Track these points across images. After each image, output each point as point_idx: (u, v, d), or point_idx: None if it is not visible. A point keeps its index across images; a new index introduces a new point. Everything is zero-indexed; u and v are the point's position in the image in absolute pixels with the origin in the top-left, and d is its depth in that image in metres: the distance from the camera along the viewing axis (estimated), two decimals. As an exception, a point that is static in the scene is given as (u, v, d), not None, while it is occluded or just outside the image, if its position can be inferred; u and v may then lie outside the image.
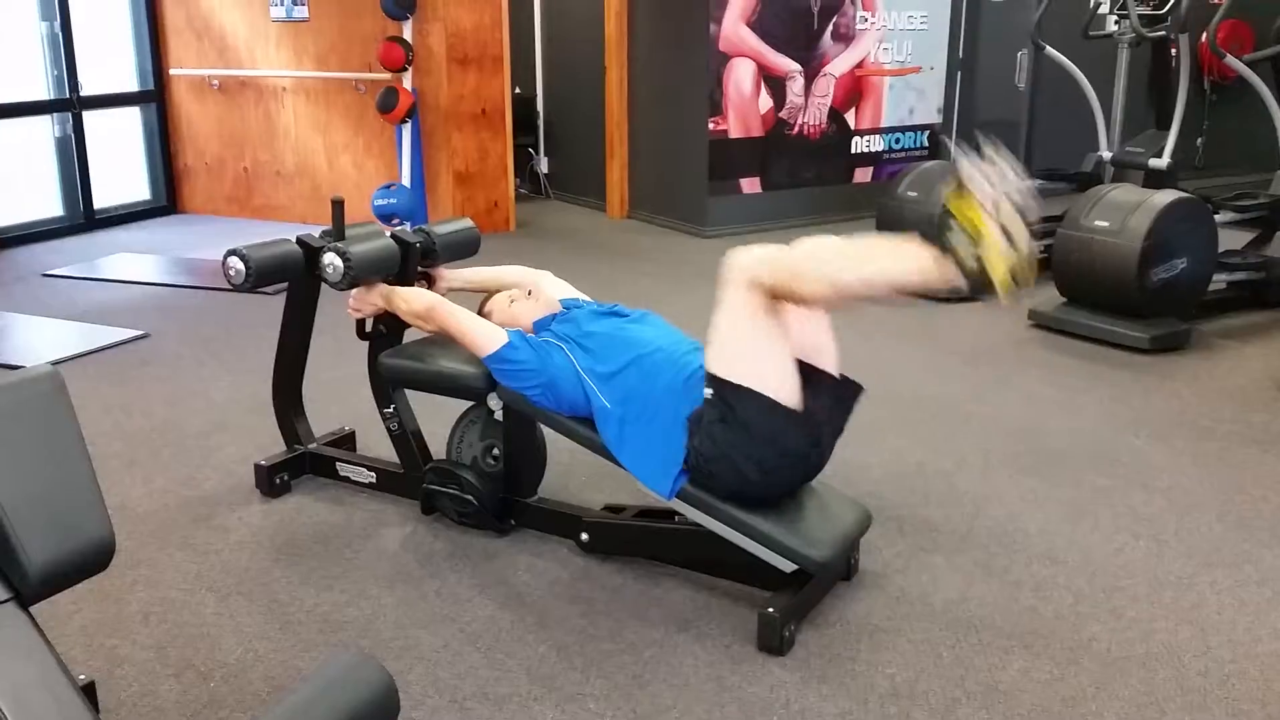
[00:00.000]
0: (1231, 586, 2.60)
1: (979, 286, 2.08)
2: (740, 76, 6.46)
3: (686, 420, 2.38)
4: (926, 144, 7.22)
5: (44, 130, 6.64)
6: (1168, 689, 2.21)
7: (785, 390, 2.28)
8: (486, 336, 2.65)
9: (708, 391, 2.33)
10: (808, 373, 2.34)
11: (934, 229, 2.11)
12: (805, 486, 2.52)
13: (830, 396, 2.39)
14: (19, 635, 1.48)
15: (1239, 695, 2.19)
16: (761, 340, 2.27)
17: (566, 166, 7.80)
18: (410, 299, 2.81)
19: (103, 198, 6.87)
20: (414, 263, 2.97)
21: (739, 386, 2.27)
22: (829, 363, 2.41)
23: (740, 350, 2.30)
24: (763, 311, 2.25)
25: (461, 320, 2.70)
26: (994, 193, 2.07)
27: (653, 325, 2.70)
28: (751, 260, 2.25)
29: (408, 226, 3.17)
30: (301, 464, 3.17)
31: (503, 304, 2.88)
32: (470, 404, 2.90)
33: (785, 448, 2.32)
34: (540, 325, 2.76)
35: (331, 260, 2.80)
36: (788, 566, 2.37)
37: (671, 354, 2.52)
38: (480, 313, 2.87)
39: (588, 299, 2.96)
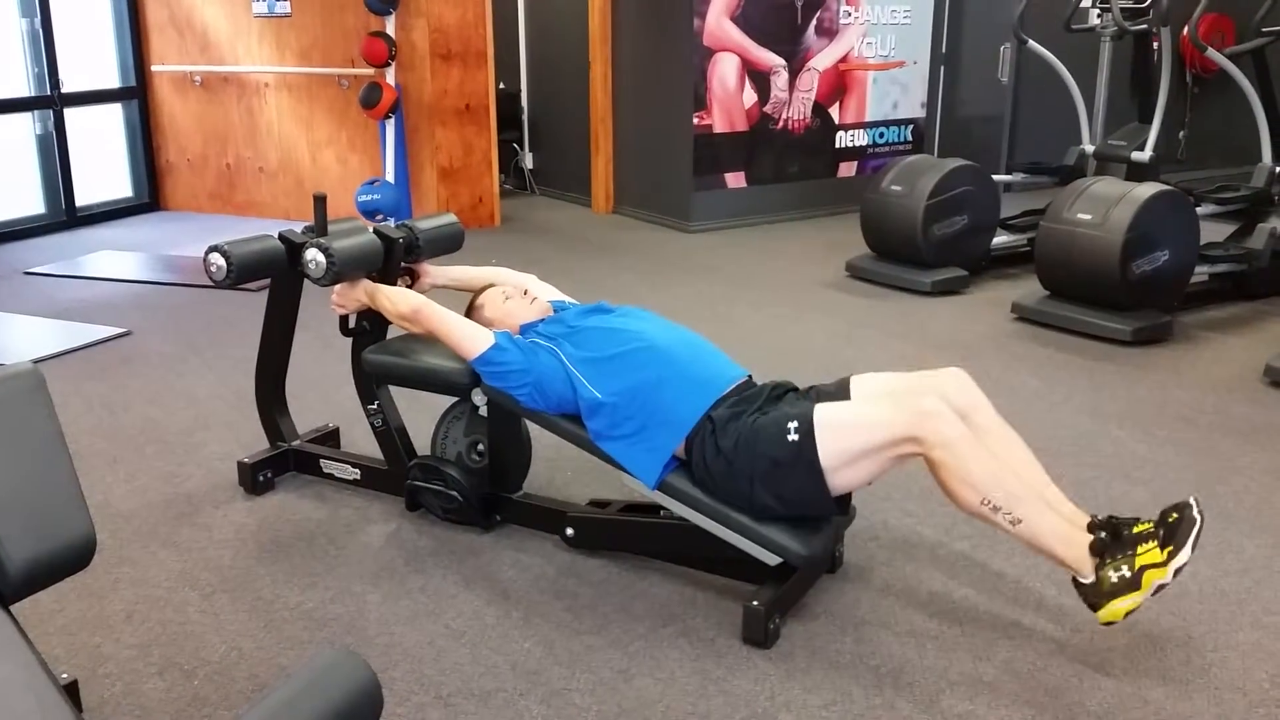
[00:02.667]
0: (1213, 576, 2.61)
1: (1089, 599, 2.19)
2: (724, 71, 6.46)
3: (718, 422, 2.39)
4: (910, 138, 7.24)
5: (25, 127, 6.60)
6: (1150, 678, 2.22)
7: (837, 488, 2.32)
8: (473, 338, 2.64)
9: (792, 426, 2.30)
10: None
11: (1116, 546, 2.17)
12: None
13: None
14: (0, 634, 1.47)
15: (1221, 683, 2.21)
16: (870, 457, 2.28)
17: (551, 162, 7.79)
18: (396, 300, 2.80)
19: (84, 195, 6.83)
20: (397, 258, 2.96)
21: (816, 462, 2.27)
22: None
23: (853, 443, 2.28)
24: (895, 452, 2.25)
25: (448, 322, 2.68)
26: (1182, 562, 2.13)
27: (642, 319, 2.70)
28: (945, 427, 2.21)
29: (391, 222, 3.16)
30: (285, 461, 3.16)
31: (496, 299, 2.85)
32: (454, 400, 2.90)
33: (807, 504, 2.35)
34: (526, 328, 2.75)
35: (314, 256, 2.79)
36: (772, 560, 2.37)
37: (669, 350, 2.53)
38: (471, 305, 2.87)
39: (574, 301, 2.95)
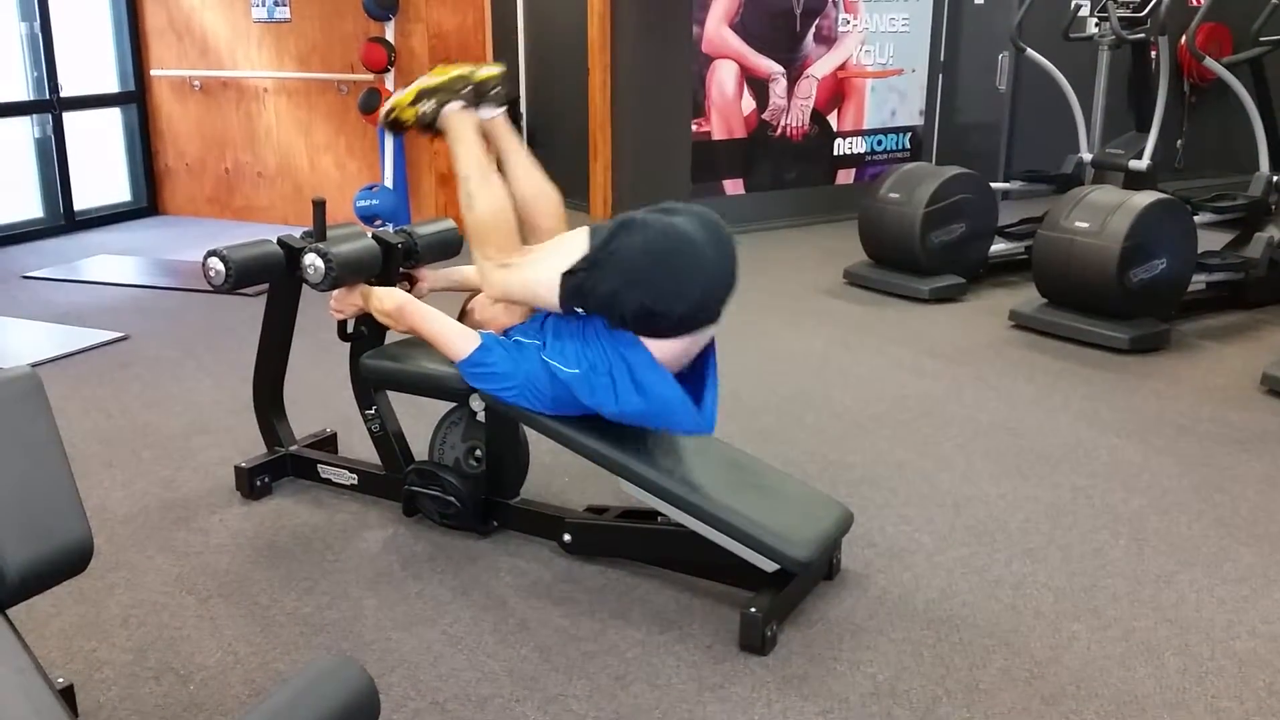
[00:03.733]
0: (1210, 584, 2.62)
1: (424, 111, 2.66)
2: (723, 78, 6.47)
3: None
4: (908, 146, 7.26)
5: (23, 131, 6.59)
6: (1147, 686, 2.23)
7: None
8: (458, 339, 2.61)
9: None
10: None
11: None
12: (787, 485, 2.52)
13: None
14: (-4, 638, 1.47)
15: (1217, 692, 2.21)
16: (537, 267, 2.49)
17: (550, 168, 7.63)
18: (382, 298, 2.79)
19: (83, 199, 6.82)
20: (396, 264, 2.96)
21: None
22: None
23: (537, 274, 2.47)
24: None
25: (432, 322, 2.66)
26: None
27: None
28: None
29: (390, 228, 3.16)
30: (282, 466, 3.15)
31: (486, 301, 2.85)
32: (452, 405, 2.90)
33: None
34: (513, 330, 2.73)
35: (313, 261, 2.79)
36: (770, 566, 2.37)
37: None
38: (462, 310, 2.86)
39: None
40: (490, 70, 2.75)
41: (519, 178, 2.79)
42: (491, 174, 2.63)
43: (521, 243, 2.59)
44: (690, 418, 2.46)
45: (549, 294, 2.45)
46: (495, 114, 2.77)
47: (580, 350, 2.47)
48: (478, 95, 2.70)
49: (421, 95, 2.69)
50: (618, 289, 2.36)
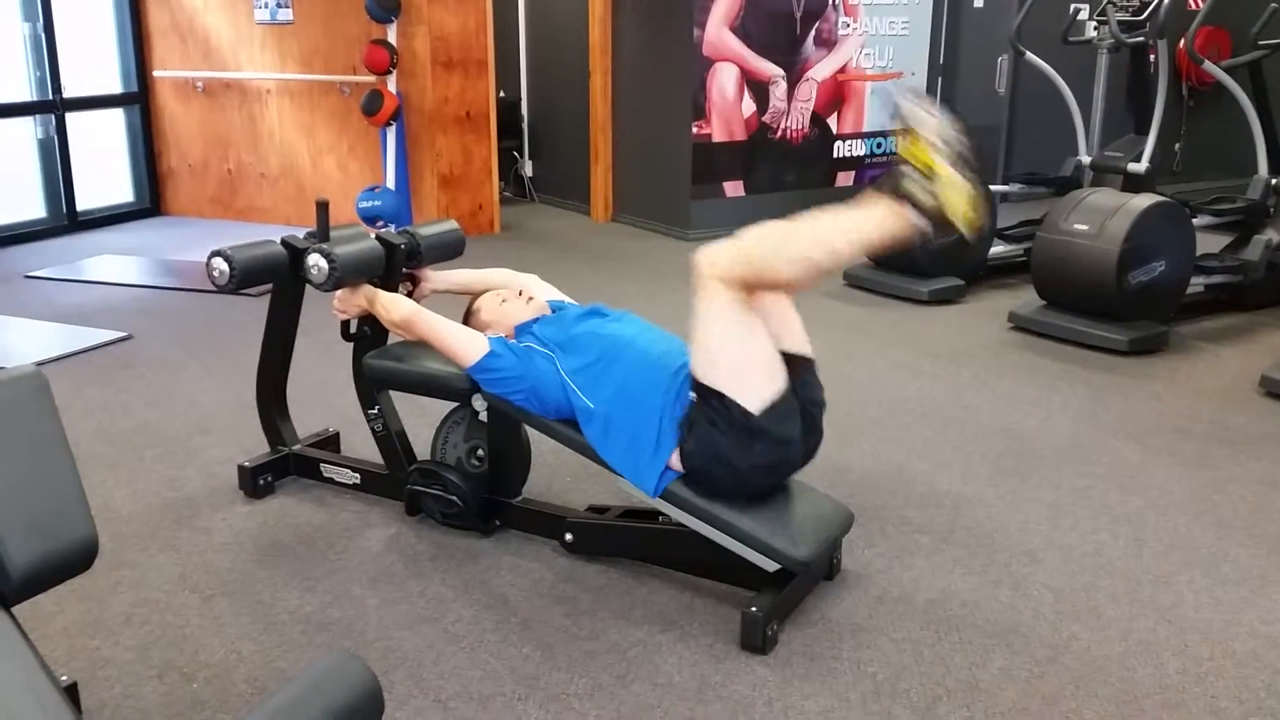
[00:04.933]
0: (1209, 585, 2.63)
1: (940, 223, 2.12)
2: (723, 81, 6.48)
3: (678, 424, 2.39)
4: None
5: (26, 132, 6.61)
6: (1146, 687, 2.24)
7: (772, 382, 2.30)
8: (468, 346, 2.64)
9: (693, 395, 2.35)
10: (787, 360, 2.37)
11: (889, 179, 2.17)
12: (788, 487, 2.53)
13: (809, 374, 2.44)
14: (0, 636, 1.48)
15: (1216, 692, 2.22)
16: (742, 338, 2.29)
17: (551, 170, 7.80)
18: (390, 307, 2.80)
19: (86, 199, 6.84)
20: (399, 264, 2.98)
21: (723, 395, 2.29)
22: (800, 342, 2.45)
23: (724, 351, 2.31)
24: (740, 306, 2.26)
25: (441, 330, 2.68)
26: (938, 128, 2.12)
27: (631, 323, 2.71)
28: (717, 257, 2.27)
29: (392, 228, 3.17)
30: (285, 465, 3.16)
31: (493, 303, 2.86)
32: (455, 405, 2.91)
33: (780, 436, 2.34)
34: (522, 329, 2.75)
35: (316, 261, 2.80)
36: (770, 566, 2.38)
37: (650, 350, 2.54)
38: (469, 310, 2.88)
39: (573, 302, 2.96)
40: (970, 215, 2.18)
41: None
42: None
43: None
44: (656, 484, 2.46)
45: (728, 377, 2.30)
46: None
47: (611, 398, 2.48)
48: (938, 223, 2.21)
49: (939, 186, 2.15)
50: (720, 472, 2.36)
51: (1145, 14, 5.23)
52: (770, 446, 2.32)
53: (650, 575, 2.65)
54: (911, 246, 2.24)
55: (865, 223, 2.20)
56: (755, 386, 2.29)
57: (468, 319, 2.85)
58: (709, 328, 2.30)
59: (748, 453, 2.31)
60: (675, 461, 2.42)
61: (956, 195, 2.09)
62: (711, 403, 2.31)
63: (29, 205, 6.63)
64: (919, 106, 2.15)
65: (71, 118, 6.71)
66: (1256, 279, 4.88)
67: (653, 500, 2.47)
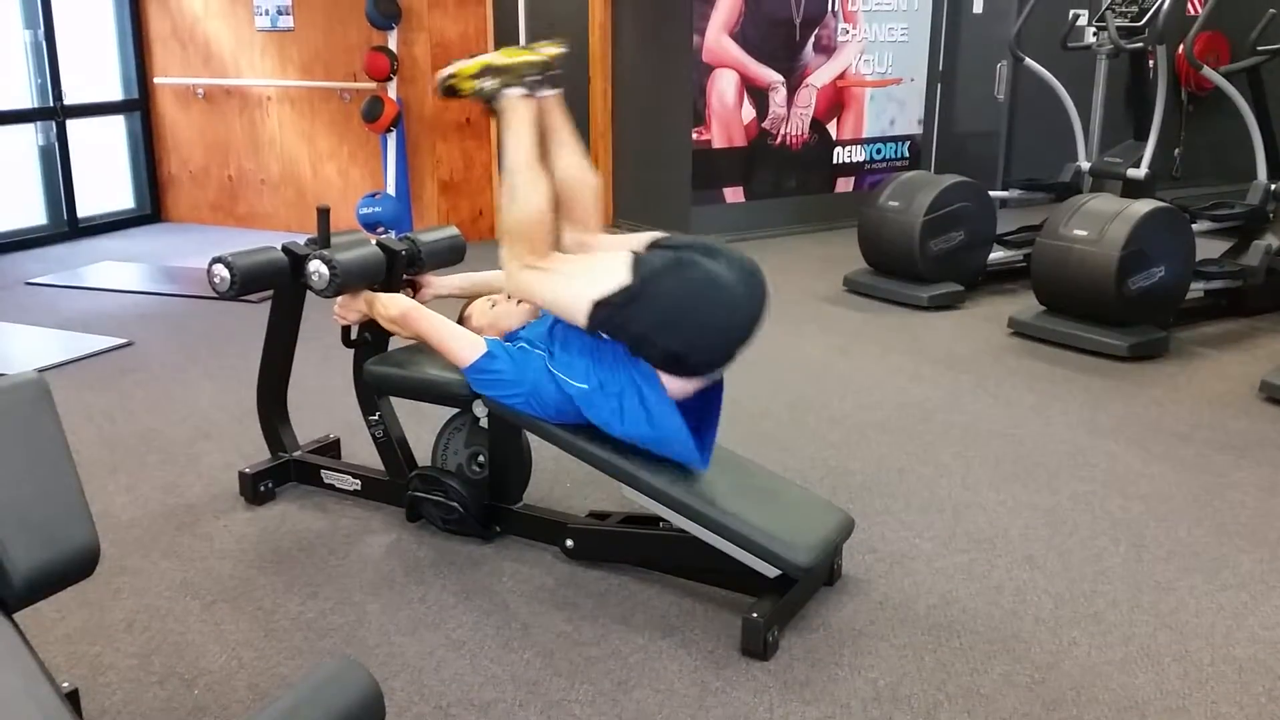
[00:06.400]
0: (1209, 591, 2.63)
1: (519, 76, 2.62)
2: (723, 87, 6.49)
3: (627, 357, 2.44)
4: (907, 154, 7.28)
5: (28, 139, 6.62)
6: (1147, 692, 2.24)
7: (618, 262, 2.42)
8: (464, 346, 2.62)
9: (604, 335, 2.45)
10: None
11: (486, 106, 2.65)
12: (789, 491, 2.53)
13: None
14: (2, 642, 1.48)
15: (1217, 698, 2.22)
16: (568, 274, 2.47)
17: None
18: (386, 304, 2.80)
19: (87, 206, 6.85)
20: (399, 270, 2.98)
21: (600, 303, 2.37)
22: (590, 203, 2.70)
23: (568, 293, 2.44)
24: (546, 269, 2.47)
25: (437, 327, 2.67)
26: (455, 66, 2.67)
27: None
28: (507, 264, 2.52)
29: (393, 234, 3.17)
30: (286, 471, 3.17)
31: (483, 307, 2.86)
32: (455, 411, 2.91)
33: (655, 270, 2.40)
34: (511, 334, 2.74)
35: (317, 268, 2.81)
36: (771, 572, 2.38)
37: None
38: (460, 317, 2.87)
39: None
40: (555, 49, 2.71)
41: (563, 162, 2.67)
42: (540, 172, 2.54)
43: (554, 226, 2.55)
44: (688, 452, 2.47)
45: (574, 313, 2.42)
46: (551, 94, 2.71)
47: (590, 367, 2.48)
48: (541, 81, 2.64)
49: (486, 71, 2.60)
50: (650, 331, 2.37)
51: (1144, 20, 5.24)
52: (661, 284, 2.37)
53: (651, 581, 2.65)
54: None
55: (515, 133, 2.54)
56: (609, 276, 2.38)
57: (460, 325, 2.85)
58: (554, 300, 2.47)
59: (655, 302, 2.36)
60: (652, 376, 2.43)
61: (500, 61, 2.62)
62: (604, 314, 2.38)
63: (30, 212, 6.64)
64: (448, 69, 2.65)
65: (72, 124, 6.72)
66: (1256, 284, 4.88)
67: (656, 509, 2.47)
